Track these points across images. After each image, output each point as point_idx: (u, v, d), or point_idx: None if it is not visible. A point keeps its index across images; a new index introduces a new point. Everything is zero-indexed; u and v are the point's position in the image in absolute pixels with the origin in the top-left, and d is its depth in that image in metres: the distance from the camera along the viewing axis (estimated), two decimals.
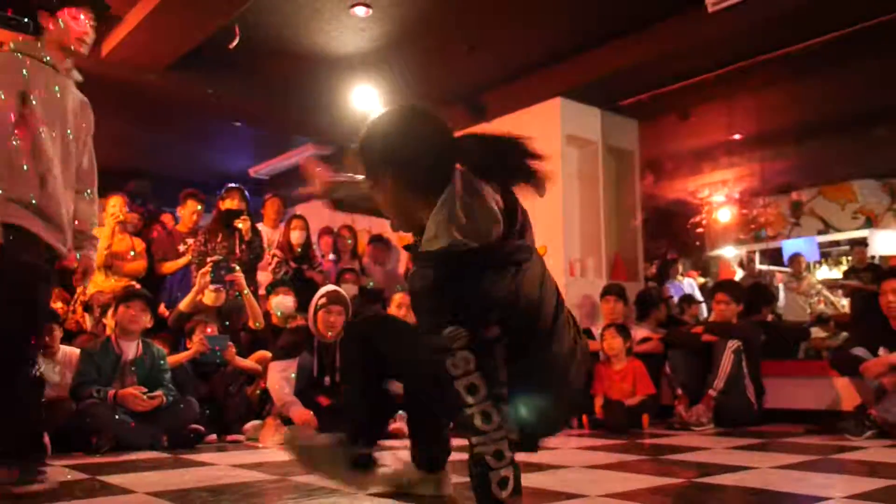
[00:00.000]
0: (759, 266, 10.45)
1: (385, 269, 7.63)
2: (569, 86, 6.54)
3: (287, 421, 4.38)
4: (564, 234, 6.54)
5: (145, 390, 4.16)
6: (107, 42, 5.84)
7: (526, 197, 2.06)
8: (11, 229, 2.71)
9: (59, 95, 2.94)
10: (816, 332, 7.13)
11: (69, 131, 2.98)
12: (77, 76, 3.08)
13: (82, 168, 3.09)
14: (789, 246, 10.49)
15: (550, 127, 6.67)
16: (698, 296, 8.03)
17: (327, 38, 6.00)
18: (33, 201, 2.79)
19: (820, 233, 10.89)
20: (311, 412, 4.32)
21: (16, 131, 2.79)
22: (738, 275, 9.74)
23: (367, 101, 6.86)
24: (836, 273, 9.89)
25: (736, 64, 6.01)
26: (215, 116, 7.56)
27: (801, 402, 5.40)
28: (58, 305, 5.52)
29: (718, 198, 10.28)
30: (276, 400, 4.42)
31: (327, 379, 4.60)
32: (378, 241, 7.83)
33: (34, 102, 2.83)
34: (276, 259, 6.48)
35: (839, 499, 2.43)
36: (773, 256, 10.92)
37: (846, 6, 5.17)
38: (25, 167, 2.79)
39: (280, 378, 4.45)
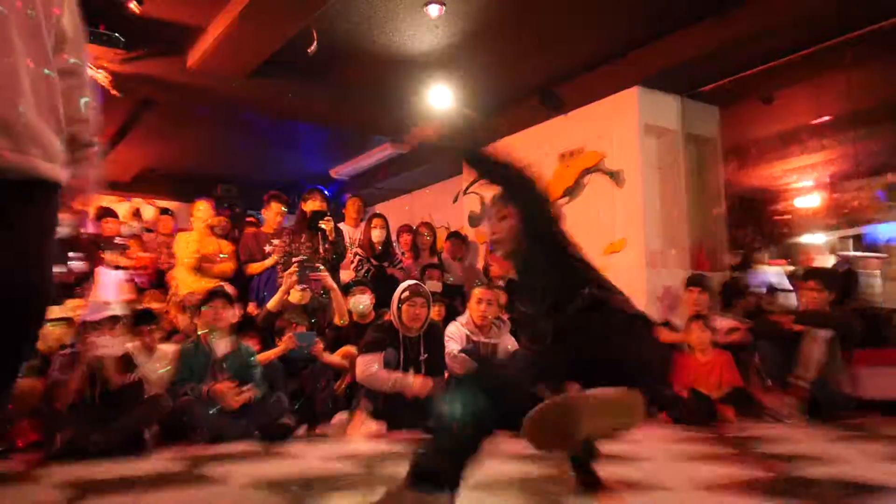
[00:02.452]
0: (852, 252, 9.98)
1: (463, 264, 7.68)
2: (646, 74, 6.43)
3: (375, 413, 4.48)
4: (644, 225, 6.44)
5: (236, 384, 4.32)
6: (191, 53, 6.07)
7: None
8: None
9: None
10: None
11: None
12: None
13: (61, 32, 1.95)
14: (884, 231, 9.98)
15: (628, 117, 6.59)
16: (786, 284, 7.74)
17: (402, 37, 6.07)
18: None
19: None
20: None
21: None
22: (830, 261, 9.35)
23: (442, 98, 6.91)
24: None
25: (821, 43, 5.77)
26: (296, 119, 7.74)
27: None
28: (154, 306, 5.77)
29: (806, 183, 9.90)
30: (382, 382, 4.58)
31: (412, 371, 4.69)
32: (455, 236, 7.90)
33: None
34: (357, 257, 6.60)
35: None
36: (868, 242, 10.42)
37: None
38: None
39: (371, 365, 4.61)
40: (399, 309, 4.70)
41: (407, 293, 4.71)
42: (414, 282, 4.98)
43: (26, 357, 1.94)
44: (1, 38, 1.75)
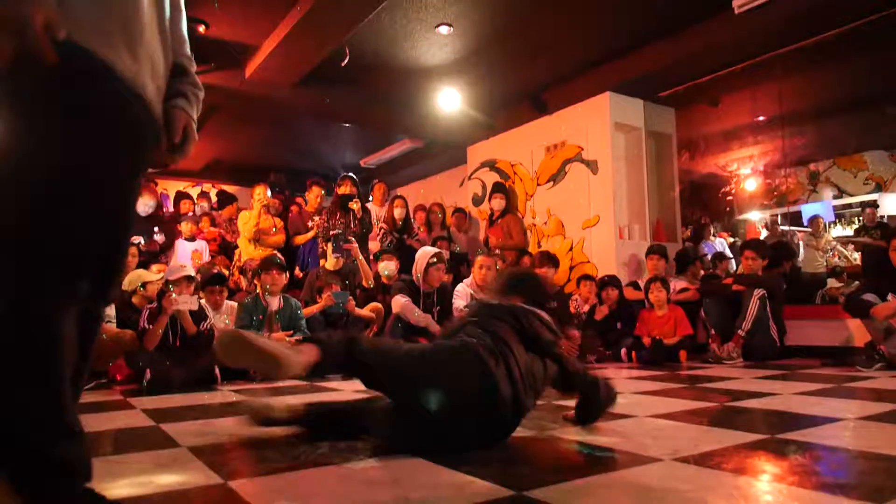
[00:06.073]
0: (781, 227, 9.89)
1: (467, 235, 7.66)
2: (616, 82, 6.33)
3: None
4: (614, 205, 6.39)
5: (290, 334, 4.34)
6: (248, 66, 6.01)
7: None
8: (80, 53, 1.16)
9: None
10: (832, 283, 6.74)
11: None
12: None
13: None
14: (808, 209, 9.88)
15: (601, 117, 6.50)
16: (728, 253, 7.69)
17: (417, 53, 5.99)
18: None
19: (835, 197, 10.21)
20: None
21: None
22: (763, 235, 9.28)
23: (450, 102, 6.84)
24: (849, 231, 9.27)
25: (759, 57, 5.66)
26: (333, 120, 7.68)
27: (817, 340, 5.15)
28: (221, 270, 5.77)
29: (745, 170, 9.81)
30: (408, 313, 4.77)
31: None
32: (460, 211, 7.87)
33: None
34: (382, 230, 6.59)
35: (852, 419, 2.32)
36: (794, 219, 10.33)
37: (854, 4, 4.78)
38: None
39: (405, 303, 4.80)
40: (427, 270, 4.79)
41: (434, 259, 4.84)
42: (438, 250, 5.06)
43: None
44: None
